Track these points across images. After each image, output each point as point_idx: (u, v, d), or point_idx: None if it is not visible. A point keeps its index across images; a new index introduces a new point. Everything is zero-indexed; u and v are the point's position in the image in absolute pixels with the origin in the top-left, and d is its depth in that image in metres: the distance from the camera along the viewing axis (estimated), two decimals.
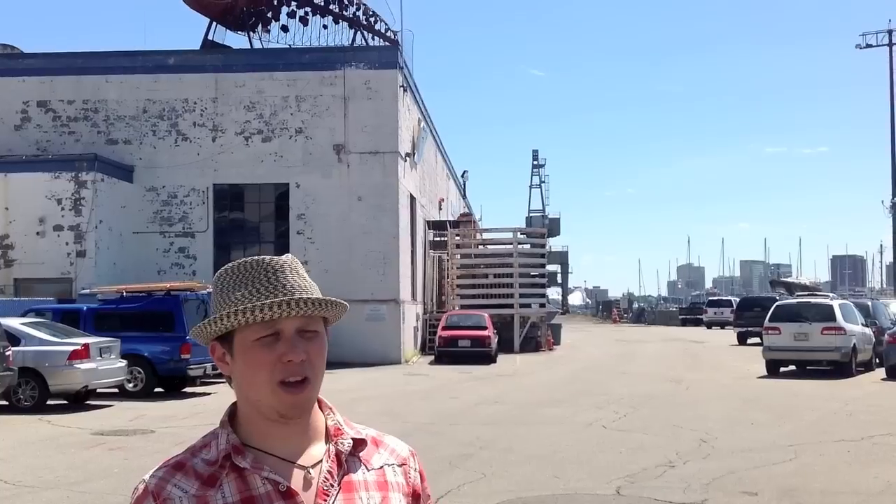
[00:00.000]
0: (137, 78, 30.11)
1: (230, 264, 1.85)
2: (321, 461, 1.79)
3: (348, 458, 1.81)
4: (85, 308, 20.94)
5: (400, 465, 1.88)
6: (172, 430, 14.07)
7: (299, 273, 1.82)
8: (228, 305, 1.77)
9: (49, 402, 17.07)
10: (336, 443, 1.82)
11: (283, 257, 1.85)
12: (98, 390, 18.10)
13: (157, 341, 19.65)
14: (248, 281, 1.79)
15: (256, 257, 1.84)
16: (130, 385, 19.33)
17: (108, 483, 10.05)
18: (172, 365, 19.60)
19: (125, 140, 29.97)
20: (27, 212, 27.63)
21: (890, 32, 53.41)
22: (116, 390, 18.92)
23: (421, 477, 1.93)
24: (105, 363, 17.67)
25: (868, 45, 54.21)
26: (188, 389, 20.44)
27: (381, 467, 1.85)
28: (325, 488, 1.75)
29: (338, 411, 1.89)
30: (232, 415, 1.83)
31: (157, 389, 19.77)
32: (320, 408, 1.87)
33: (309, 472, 1.77)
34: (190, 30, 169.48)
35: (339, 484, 1.77)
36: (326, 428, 1.85)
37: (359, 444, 1.84)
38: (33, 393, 16.90)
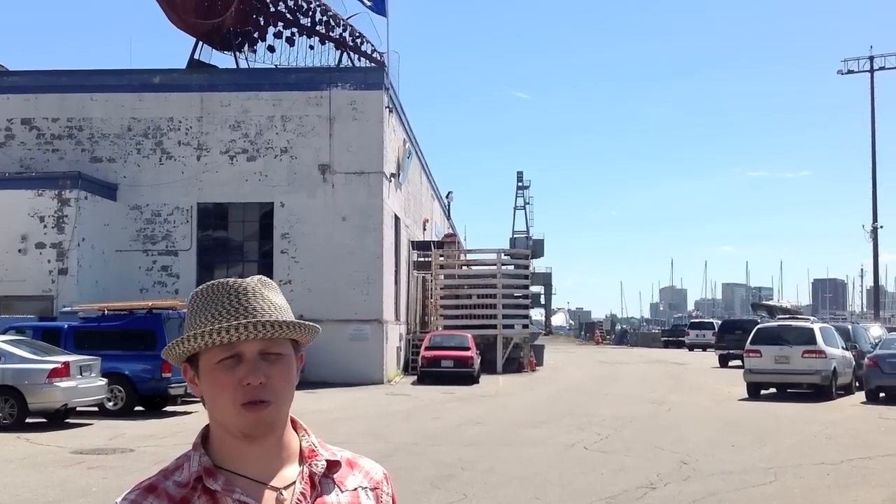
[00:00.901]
0: (122, 96, 30.10)
1: (201, 286, 1.86)
2: (294, 483, 1.78)
3: (322, 480, 1.81)
4: (66, 326, 20.83)
5: (373, 489, 1.88)
6: (152, 448, 14.00)
7: (264, 295, 1.81)
8: (194, 328, 1.78)
9: (28, 420, 16.93)
10: (310, 464, 1.82)
11: (250, 279, 1.85)
12: (78, 408, 17.97)
13: (138, 360, 19.55)
14: (212, 303, 1.80)
15: (224, 280, 1.85)
16: (111, 403, 19.21)
17: (87, 502, 9.99)
18: (153, 384, 19.50)
19: (109, 158, 29.92)
20: (9, 229, 27.48)
21: (871, 59, 54.10)
22: (96, 409, 18.80)
23: (393, 501, 1.94)
24: (85, 381, 17.57)
25: (850, 71, 54.87)
26: (169, 408, 20.32)
27: (356, 489, 1.85)
28: None
29: (312, 433, 1.89)
30: (205, 437, 1.84)
31: (137, 408, 19.65)
32: (294, 429, 1.88)
33: (281, 493, 1.76)
34: (176, 49, 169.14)
35: None
36: (301, 449, 1.85)
37: (333, 465, 1.84)
38: (12, 411, 16.76)
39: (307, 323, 1.83)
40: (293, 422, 1.88)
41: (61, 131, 30.09)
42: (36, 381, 16.80)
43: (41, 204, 27.72)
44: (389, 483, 1.94)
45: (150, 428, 16.95)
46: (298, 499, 1.77)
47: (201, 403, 1.85)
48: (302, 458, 1.84)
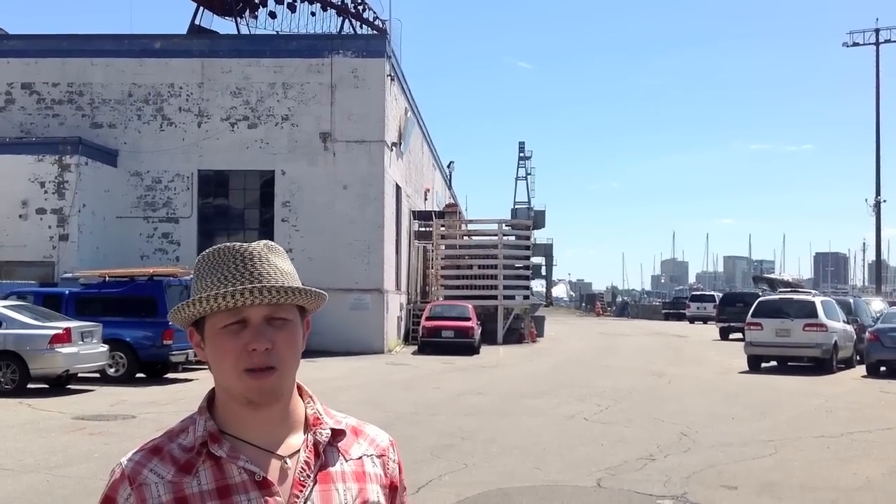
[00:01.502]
0: (123, 62, 29.91)
1: (208, 250, 1.84)
2: (299, 451, 1.77)
3: (326, 449, 1.80)
4: (67, 292, 20.81)
5: (379, 456, 1.87)
6: (153, 415, 14.03)
7: (270, 261, 1.79)
8: (200, 291, 1.76)
9: (30, 386, 16.96)
10: (314, 432, 1.80)
11: (256, 244, 1.83)
12: (79, 375, 17.99)
13: (139, 326, 19.55)
14: (219, 267, 1.77)
15: (231, 244, 1.82)
16: (112, 370, 19.23)
17: (88, 467, 10.00)
18: (154, 350, 19.52)
19: (110, 124, 29.79)
20: (10, 194, 27.42)
21: (877, 31, 53.62)
22: (98, 375, 18.83)
23: (399, 468, 1.92)
24: (86, 348, 17.58)
25: (855, 44, 54.38)
26: (170, 375, 20.36)
27: (360, 458, 1.83)
28: (302, 479, 1.74)
29: (318, 400, 1.87)
30: (210, 400, 1.81)
31: (138, 375, 19.69)
32: (300, 396, 1.85)
33: (286, 461, 1.75)
34: (177, 14, 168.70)
35: (315, 475, 1.76)
36: (306, 417, 1.83)
37: (337, 433, 1.82)
38: (14, 376, 16.79)
39: (314, 289, 1.80)
40: (299, 388, 1.86)
41: (62, 96, 29.93)
42: (37, 347, 16.82)
43: (42, 169, 27.63)
44: (395, 450, 1.92)
45: (152, 395, 16.99)
46: (302, 467, 1.75)
47: (208, 368, 1.82)
48: (307, 426, 1.82)
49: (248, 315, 1.74)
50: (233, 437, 1.75)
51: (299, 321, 1.82)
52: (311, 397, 1.86)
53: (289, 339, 1.77)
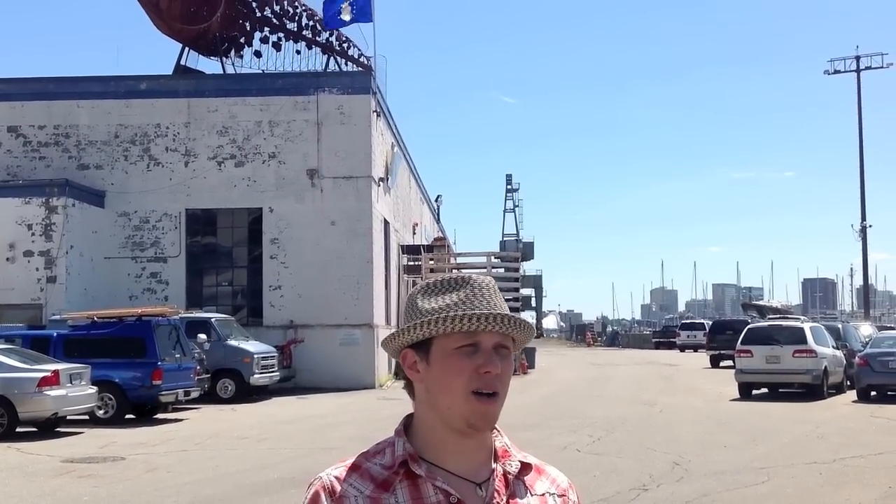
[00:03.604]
0: (109, 103, 29.99)
1: (433, 278, 1.94)
2: (489, 479, 1.83)
3: (514, 481, 1.85)
4: (55, 334, 20.71)
5: (560, 496, 1.93)
6: (143, 456, 13.92)
7: (498, 294, 1.89)
8: (428, 314, 1.82)
9: (18, 430, 16.83)
10: (504, 464, 1.86)
11: (485, 277, 1.91)
12: (68, 417, 17.88)
13: (128, 367, 19.46)
14: (452, 292, 1.86)
15: (459, 273, 1.92)
16: (101, 412, 19.11)
17: None
18: (144, 391, 19.42)
19: (97, 165, 29.81)
20: None
21: (858, 58, 54.21)
22: (87, 417, 18.70)
23: None
24: (75, 390, 17.48)
25: (836, 71, 54.95)
26: (160, 416, 20.22)
27: (544, 494, 1.89)
28: None
29: (505, 433, 1.93)
30: (406, 426, 1.88)
31: (128, 416, 19.57)
32: None
33: (480, 488, 1.81)
34: (162, 55, 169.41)
35: (505, 503, 1.82)
36: (495, 449, 1.89)
37: (525, 468, 1.88)
38: (2, 420, 16.66)
39: (531, 324, 1.90)
40: None
41: (48, 139, 29.96)
42: (26, 390, 16.71)
43: (29, 212, 27.60)
44: (574, 492, 1.99)
45: (142, 436, 16.87)
46: (493, 495, 1.81)
47: (406, 392, 1.91)
48: (496, 458, 1.88)
49: (481, 340, 1.81)
50: (427, 461, 1.82)
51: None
52: (498, 431, 1.92)
53: (509, 368, 1.85)
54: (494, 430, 1.92)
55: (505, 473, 1.85)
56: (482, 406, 1.79)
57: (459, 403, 1.79)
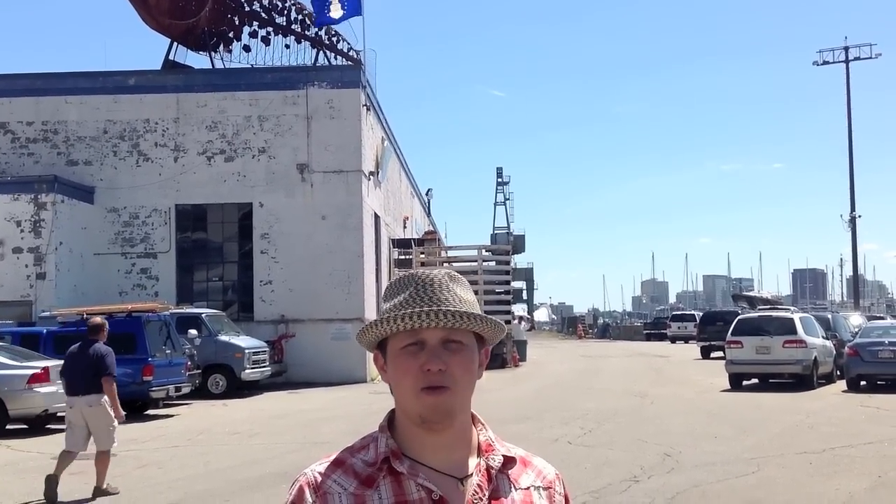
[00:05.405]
0: (97, 98, 29.87)
1: (395, 277, 1.95)
2: (472, 475, 1.84)
3: (497, 475, 1.86)
4: (45, 331, 20.66)
5: (546, 489, 1.92)
6: (134, 452, 13.90)
7: (450, 288, 1.87)
8: (383, 314, 1.86)
9: (9, 427, 16.79)
10: (487, 458, 1.87)
11: (438, 271, 1.92)
12: (59, 414, 17.81)
13: (118, 363, 19.32)
14: (400, 292, 1.87)
15: (415, 271, 1.93)
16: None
17: None
18: (134, 387, 19.35)
19: (86, 161, 29.70)
20: None
21: (846, 49, 54.33)
22: None
23: (566, 501, 1.98)
24: None
25: (825, 62, 55.08)
26: (150, 412, 20.20)
27: (528, 488, 1.89)
28: (475, 501, 1.81)
29: (490, 428, 1.94)
30: (390, 422, 1.90)
31: None
32: (473, 423, 1.93)
33: (461, 483, 1.82)
34: (151, 50, 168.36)
35: (488, 499, 1.82)
36: (479, 443, 1.90)
37: (508, 461, 1.89)
38: None
39: (489, 317, 1.87)
40: (472, 416, 1.93)
41: (36, 135, 29.84)
42: (16, 387, 16.67)
43: (17, 208, 27.49)
44: (561, 483, 1.99)
45: (132, 432, 16.80)
46: (475, 490, 1.82)
47: (390, 392, 1.91)
48: (479, 452, 1.89)
49: (425, 337, 1.82)
50: (409, 458, 1.83)
51: (476, 348, 1.88)
52: (483, 425, 1.93)
53: (462, 362, 1.84)
54: (479, 424, 1.92)
55: (488, 468, 1.85)
56: (430, 399, 1.80)
57: (412, 401, 1.82)
